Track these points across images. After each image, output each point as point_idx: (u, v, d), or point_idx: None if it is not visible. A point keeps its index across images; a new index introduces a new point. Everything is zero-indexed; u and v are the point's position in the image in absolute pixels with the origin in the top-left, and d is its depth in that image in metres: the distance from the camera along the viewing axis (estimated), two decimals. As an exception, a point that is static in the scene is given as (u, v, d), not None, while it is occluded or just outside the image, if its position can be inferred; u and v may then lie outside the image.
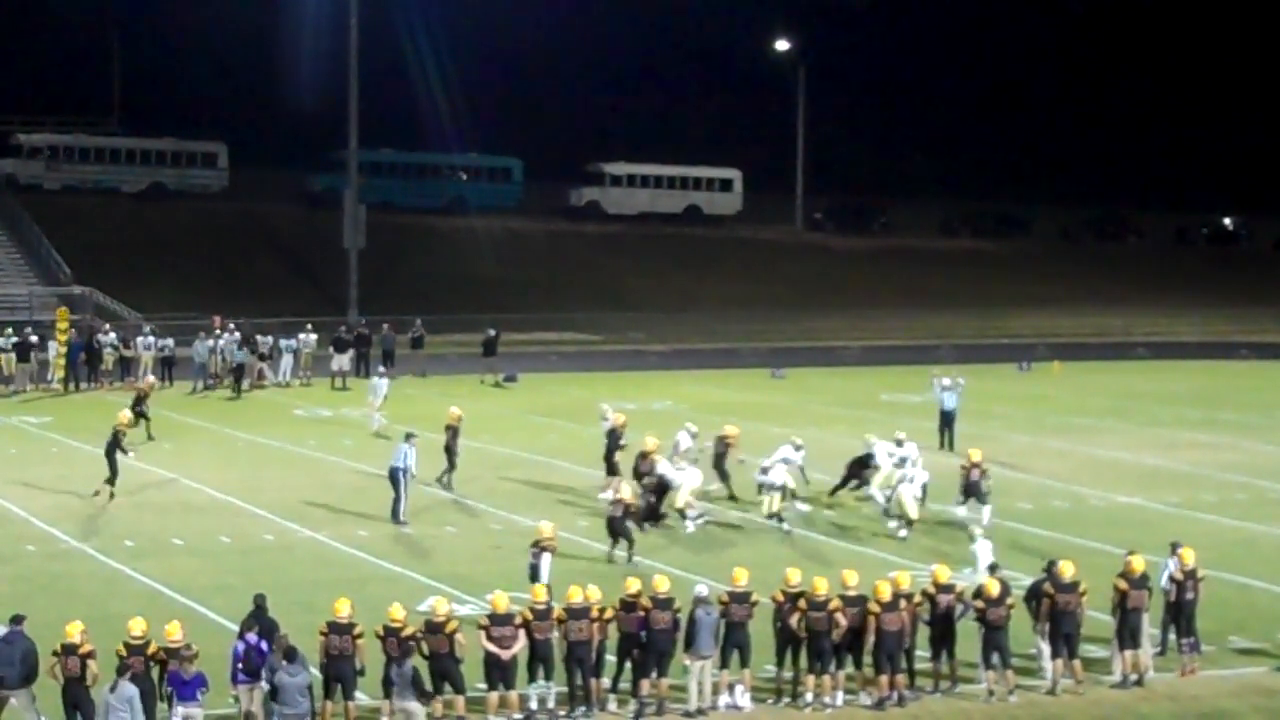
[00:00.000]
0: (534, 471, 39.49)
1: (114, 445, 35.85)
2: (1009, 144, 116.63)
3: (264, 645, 20.96)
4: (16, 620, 21.06)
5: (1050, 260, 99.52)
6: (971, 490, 33.37)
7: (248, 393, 54.23)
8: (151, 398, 44.56)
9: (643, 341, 73.97)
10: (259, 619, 21.58)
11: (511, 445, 42.81)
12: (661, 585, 22.35)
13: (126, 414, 37.68)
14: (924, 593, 22.94)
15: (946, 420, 43.21)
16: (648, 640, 22.07)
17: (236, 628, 21.80)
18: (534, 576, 26.10)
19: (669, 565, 29.39)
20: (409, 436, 34.79)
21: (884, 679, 22.34)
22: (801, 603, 22.44)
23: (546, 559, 26.49)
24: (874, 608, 22.32)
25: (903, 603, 22.46)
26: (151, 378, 49.42)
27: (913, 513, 32.74)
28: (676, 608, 22.18)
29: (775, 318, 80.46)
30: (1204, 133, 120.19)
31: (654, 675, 22.12)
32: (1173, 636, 24.12)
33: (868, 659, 22.47)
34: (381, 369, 49.67)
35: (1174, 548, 24.80)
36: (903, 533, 32.56)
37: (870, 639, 22.33)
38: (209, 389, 54.86)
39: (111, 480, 35.61)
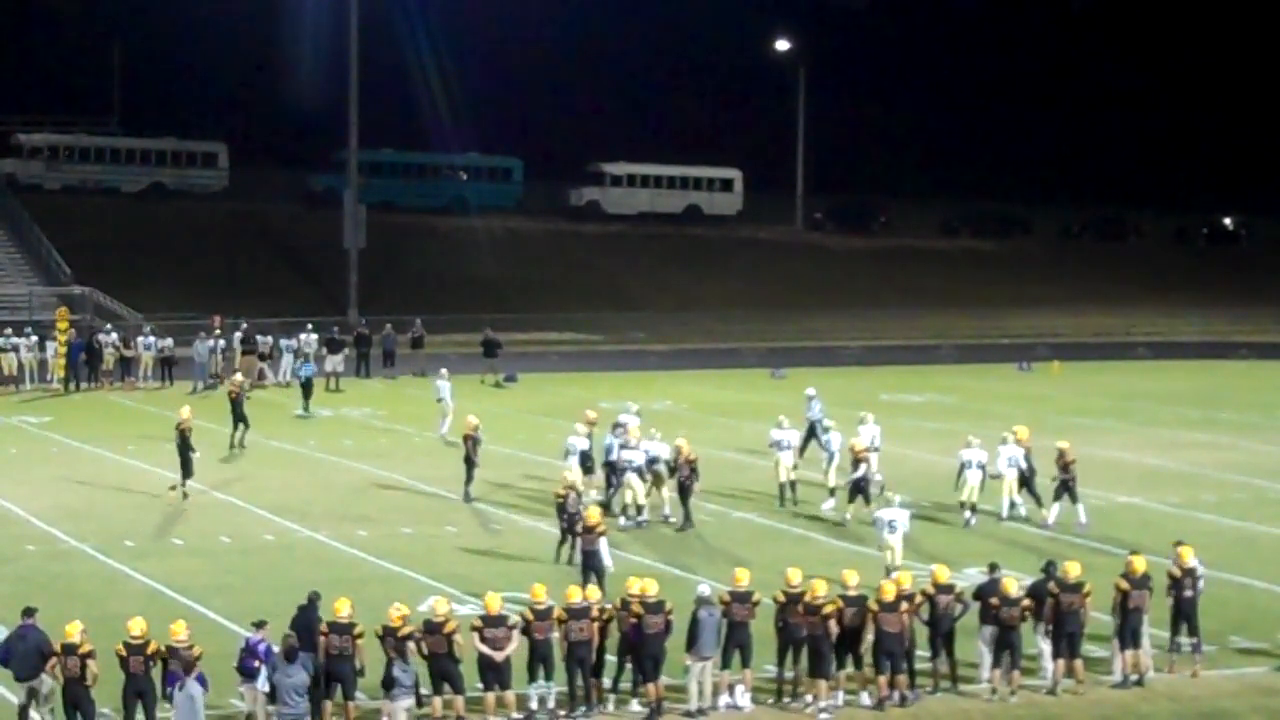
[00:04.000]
0: (534, 471, 39.40)
1: (184, 444, 35.68)
2: (1009, 144, 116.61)
3: (260, 646, 20.94)
4: (28, 613, 21.16)
5: (1050, 260, 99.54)
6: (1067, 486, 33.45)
7: (246, 392, 54.13)
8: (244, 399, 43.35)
9: (643, 341, 73.96)
10: (301, 617, 21.57)
11: (512, 445, 42.79)
12: (650, 588, 22.23)
13: (187, 410, 37.19)
14: (923, 592, 22.93)
15: (811, 432, 41.92)
16: (639, 644, 21.99)
17: (236, 627, 21.78)
18: (589, 564, 26.60)
19: (670, 565, 29.41)
20: (616, 427, 35.11)
21: (883, 679, 22.33)
22: (799, 607, 22.40)
23: (605, 544, 27.04)
24: (873, 606, 22.32)
25: (904, 604, 22.43)
26: (239, 376, 47.55)
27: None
28: (668, 610, 22.11)
29: (775, 318, 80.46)
30: (1204, 133, 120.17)
31: (648, 679, 21.99)
32: (1180, 638, 24.08)
33: (869, 659, 22.45)
34: (444, 370, 46.61)
35: (1176, 547, 24.83)
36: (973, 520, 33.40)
37: (869, 638, 22.32)
38: (209, 389, 54.83)
39: (184, 479, 35.63)
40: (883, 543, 28.65)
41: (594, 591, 22.49)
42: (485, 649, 21.53)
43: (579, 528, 27.82)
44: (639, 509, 33.48)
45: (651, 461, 33.89)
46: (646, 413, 40.81)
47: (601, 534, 27.16)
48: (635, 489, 33.55)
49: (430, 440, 44.43)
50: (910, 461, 40.41)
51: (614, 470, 34.02)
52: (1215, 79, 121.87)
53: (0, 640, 21.25)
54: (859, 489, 33.41)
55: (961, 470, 33.79)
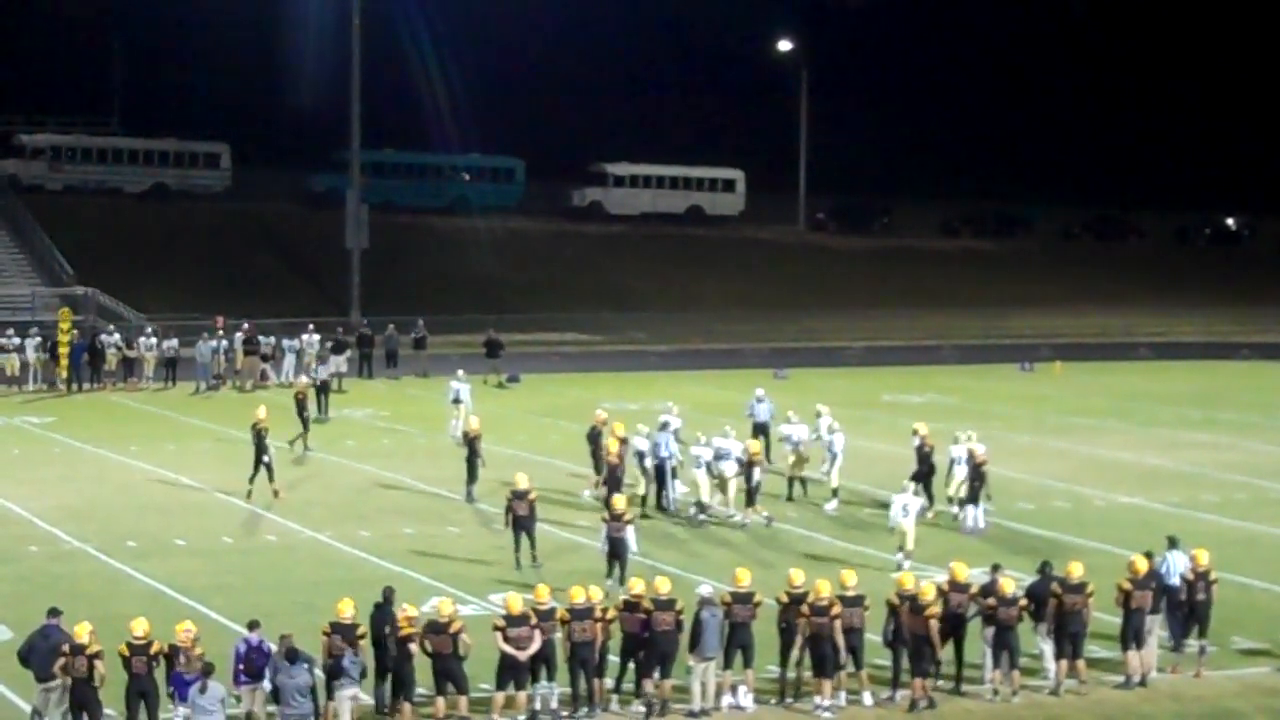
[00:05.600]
0: (536, 471, 39.23)
1: (260, 443, 35.63)
2: (1009, 144, 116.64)
3: (265, 646, 21.02)
4: (53, 614, 21.27)
5: (1050, 260, 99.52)
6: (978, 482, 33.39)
7: (248, 393, 54.19)
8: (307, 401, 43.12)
9: (645, 342, 73.97)
10: (381, 612, 21.66)
11: (514, 446, 42.83)
12: (663, 587, 22.33)
13: (263, 410, 36.97)
14: (938, 589, 22.95)
15: (760, 431, 40.65)
16: (650, 641, 22.06)
17: (237, 627, 21.80)
18: (615, 551, 27.32)
19: (670, 565, 29.42)
20: (664, 426, 35.08)
21: (916, 682, 22.35)
22: (804, 607, 22.44)
23: (632, 530, 27.72)
24: (894, 600, 22.46)
25: (930, 608, 22.43)
26: (305, 378, 47.20)
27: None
28: (679, 608, 22.19)
29: (777, 318, 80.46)
30: (1205, 133, 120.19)
31: (656, 676, 22.10)
32: (1190, 640, 24.09)
33: (876, 659, 22.47)
34: (460, 372, 46.43)
35: (1171, 543, 24.86)
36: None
37: (873, 637, 22.36)
38: (212, 389, 54.88)
39: (270, 477, 35.65)
40: (895, 526, 29.60)
41: (596, 592, 22.55)
42: (509, 649, 21.53)
43: (605, 523, 27.83)
44: (701, 506, 33.87)
45: (720, 457, 34.10)
46: (647, 414, 40.84)
47: (628, 521, 27.72)
48: (701, 486, 33.92)
49: (433, 441, 44.45)
50: (910, 461, 40.34)
51: (660, 469, 34.56)
52: (1216, 79, 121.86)
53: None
54: (752, 492, 33.36)
55: (950, 467, 34.10)
